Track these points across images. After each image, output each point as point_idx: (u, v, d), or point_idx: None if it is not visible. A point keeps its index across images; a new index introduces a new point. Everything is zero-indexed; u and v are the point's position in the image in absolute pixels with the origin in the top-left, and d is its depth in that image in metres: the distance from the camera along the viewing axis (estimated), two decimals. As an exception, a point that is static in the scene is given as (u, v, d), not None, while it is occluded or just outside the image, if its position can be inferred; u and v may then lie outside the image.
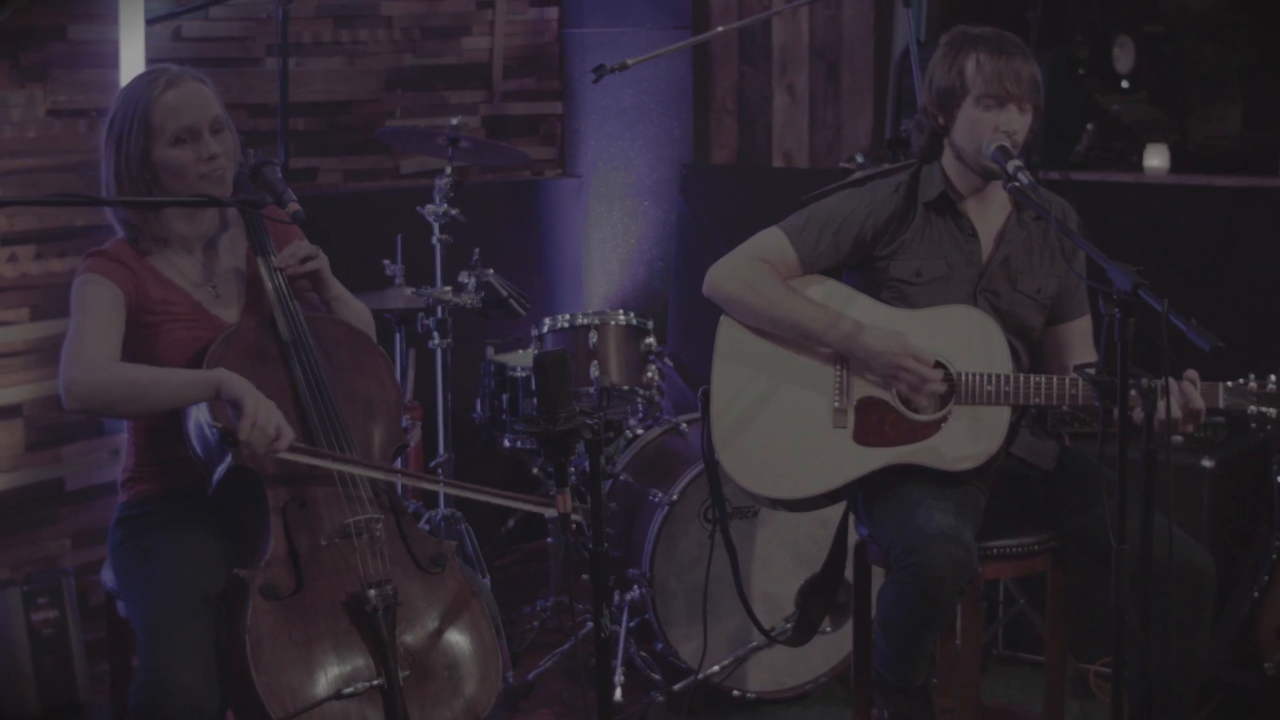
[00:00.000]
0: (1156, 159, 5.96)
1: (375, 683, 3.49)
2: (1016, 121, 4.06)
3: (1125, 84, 6.69)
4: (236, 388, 3.53)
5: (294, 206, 3.72)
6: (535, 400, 3.43)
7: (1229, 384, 3.90)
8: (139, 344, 3.73)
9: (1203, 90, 6.81)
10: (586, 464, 5.13)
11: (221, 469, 3.60)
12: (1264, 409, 3.87)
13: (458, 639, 3.66)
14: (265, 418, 3.50)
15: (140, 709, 3.38)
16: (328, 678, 3.48)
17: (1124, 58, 6.71)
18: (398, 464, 3.93)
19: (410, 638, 3.61)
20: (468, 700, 3.61)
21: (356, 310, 3.99)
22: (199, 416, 3.61)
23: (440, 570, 3.71)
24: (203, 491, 3.71)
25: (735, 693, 5.08)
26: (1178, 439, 3.64)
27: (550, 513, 3.63)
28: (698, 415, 5.47)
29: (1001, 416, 4.03)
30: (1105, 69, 6.70)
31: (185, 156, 3.75)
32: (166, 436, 3.77)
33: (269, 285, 3.80)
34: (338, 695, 3.45)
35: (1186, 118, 6.72)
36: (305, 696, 3.43)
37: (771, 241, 4.21)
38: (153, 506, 3.80)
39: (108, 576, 3.91)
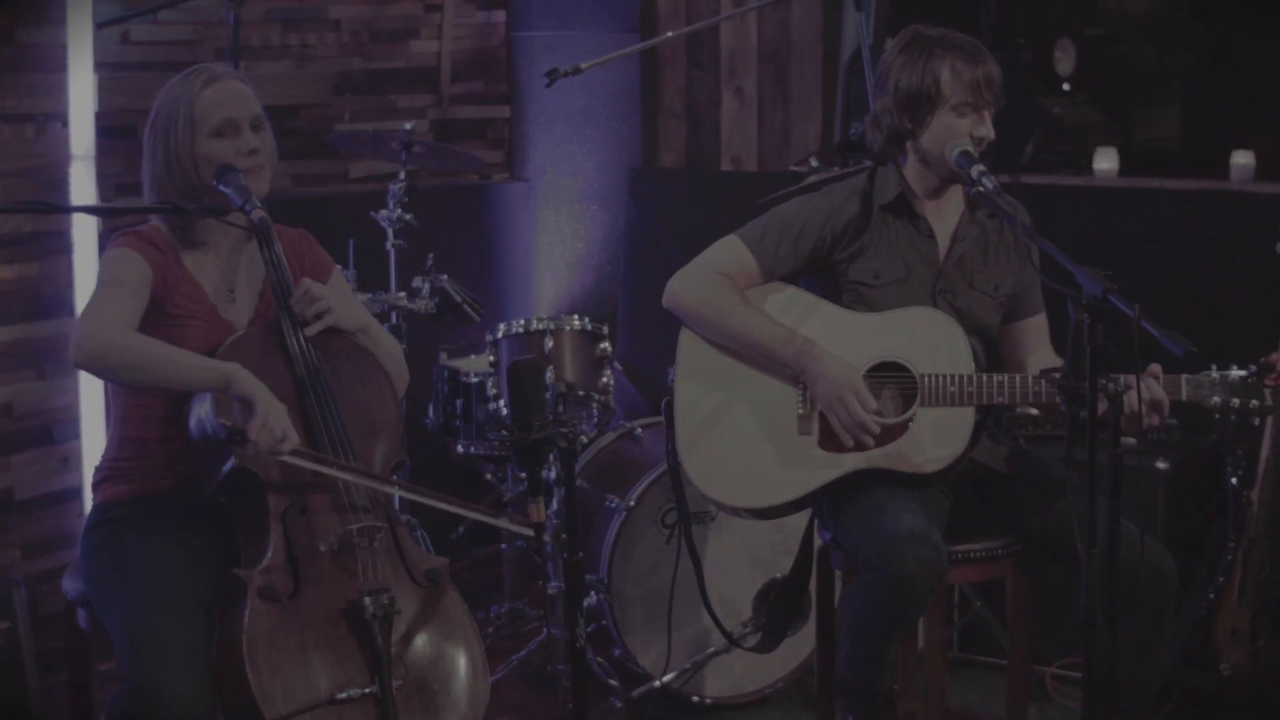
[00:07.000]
0: (1106, 161, 5.99)
1: (369, 690, 3.47)
2: (987, 127, 4.09)
3: (1066, 86, 6.74)
4: (250, 385, 3.51)
5: (258, 214, 3.71)
6: (507, 408, 3.40)
7: (1190, 376, 3.93)
8: (157, 335, 3.69)
9: (1142, 93, 6.86)
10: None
11: (225, 469, 3.57)
12: (1229, 399, 3.90)
13: (451, 653, 3.65)
14: (275, 419, 3.49)
15: (125, 716, 3.33)
16: (322, 682, 3.46)
17: (1065, 60, 6.77)
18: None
19: (404, 648, 3.60)
20: (459, 715, 3.59)
21: (385, 345, 3.95)
22: (201, 413, 3.56)
23: (434, 585, 3.70)
24: (183, 494, 3.70)
25: (694, 699, 5.07)
26: (1130, 440, 3.65)
27: (528, 532, 3.62)
28: (652, 420, 5.51)
29: (966, 417, 4.04)
30: (1046, 71, 6.75)
31: (226, 149, 3.77)
32: (153, 427, 3.74)
33: (279, 298, 3.78)
34: (331, 700, 3.43)
35: (1127, 120, 6.77)
36: (299, 699, 3.41)
37: (730, 252, 4.19)
38: (128, 510, 3.75)
39: (72, 585, 3.86)
